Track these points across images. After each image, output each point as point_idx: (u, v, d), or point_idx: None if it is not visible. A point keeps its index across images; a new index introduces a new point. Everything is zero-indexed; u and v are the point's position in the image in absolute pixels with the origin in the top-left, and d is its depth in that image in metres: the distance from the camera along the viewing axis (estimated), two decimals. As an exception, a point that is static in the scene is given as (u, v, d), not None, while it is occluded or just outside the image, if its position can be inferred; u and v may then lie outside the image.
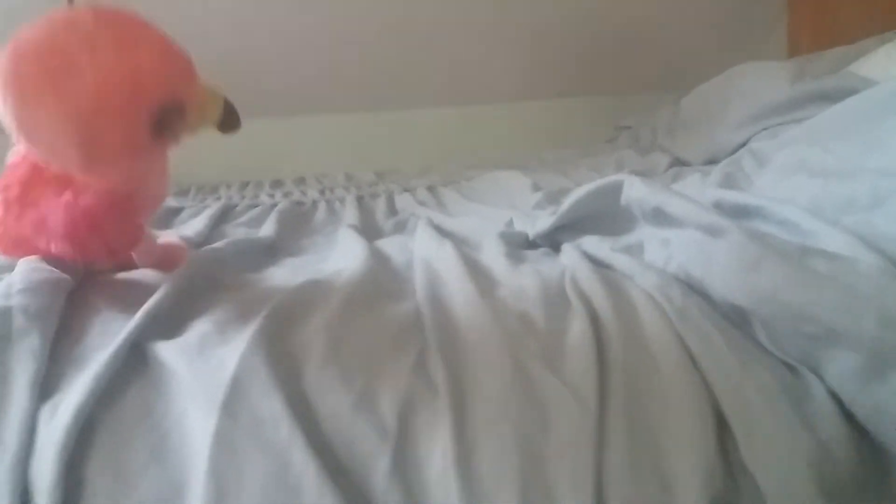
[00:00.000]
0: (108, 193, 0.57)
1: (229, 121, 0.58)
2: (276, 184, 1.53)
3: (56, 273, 0.58)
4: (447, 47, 1.87)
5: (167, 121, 0.54)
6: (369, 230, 1.02)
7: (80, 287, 0.60)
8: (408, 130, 1.97)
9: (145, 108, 0.52)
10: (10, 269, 0.61)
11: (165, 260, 0.69)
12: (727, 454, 0.47)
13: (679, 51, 1.99)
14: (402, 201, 1.30)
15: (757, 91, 1.15)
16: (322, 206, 1.29)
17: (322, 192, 1.41)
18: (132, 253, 0.66)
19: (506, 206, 1.08)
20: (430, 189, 1.39)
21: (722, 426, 0.47)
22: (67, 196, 0.57)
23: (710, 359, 0.49)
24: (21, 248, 0.62)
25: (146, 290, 0.59)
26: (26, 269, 0.57)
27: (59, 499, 0.41)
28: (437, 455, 0.46)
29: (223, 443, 0.44)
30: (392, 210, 1.26)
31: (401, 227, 1.07)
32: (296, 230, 1.08)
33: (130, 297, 0.58)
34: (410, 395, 0.49)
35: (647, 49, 1.98)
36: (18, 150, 0.62)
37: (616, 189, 0.63)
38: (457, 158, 1.74)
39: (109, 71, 0.50)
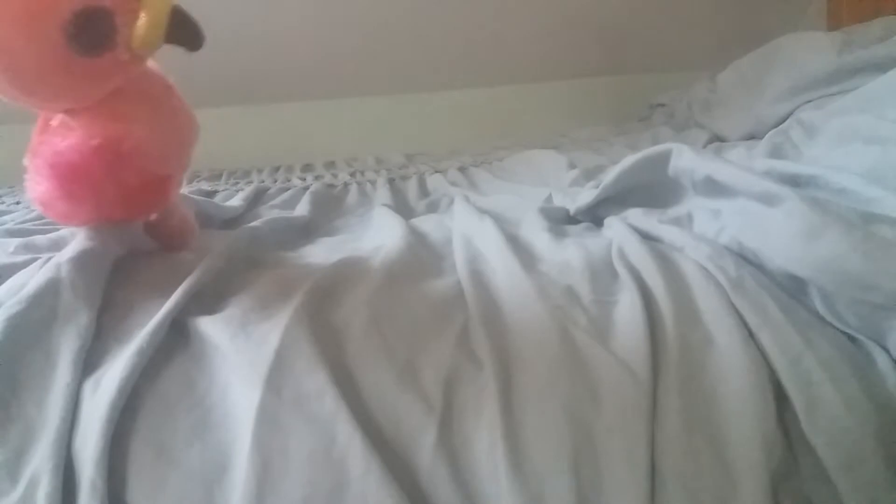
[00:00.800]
0: (93, 135, 0.53)
1: (182, 32, 0.52)
2: (307, 167, 1.52)
3: (104, 253, 0.57)
4: (474, 28, 1.85)
5: (91, 29, 0.49)
6: (402, 211, 1.00)
7: (125, 262, 0.60)
8: (436, 112, 1.96)
9: (54, 14, 0.47)
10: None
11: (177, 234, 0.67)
12: (786, 427, 0.45)
13: (710, 28, 1.94)
14: (434, 182, 1.29)
15: (801, 62, 1.10)
16: (354, 189, 1.28)
17: (353, 175, 1.40)
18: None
19: (540, 184, 1.06)
20: (462, 170, 1.37)
21: (780, 399, 0.46)
22: (60, 139, 0.54)
23: (767, 331, 0.47)
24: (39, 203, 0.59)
25: (189, 266, 0.58)
26: (75, 247, 0.57)
27: (104, 473, 0.41)
28: (483, 429, 0.45)
29: (267, 417, 0.43)
30: (424, 191, 1.25)
31: (433, 208, 1.06)
32: (329, 211, 1.07)
33: (173, 273, 0.57)
34: (454, 369, 0.48)
35: (676, 27, 1.93)
36: None
37: (664, 158, 0.61)
38: (486, 140, 1.72)
39: None
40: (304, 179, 1.36)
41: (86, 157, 0.53)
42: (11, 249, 0.66)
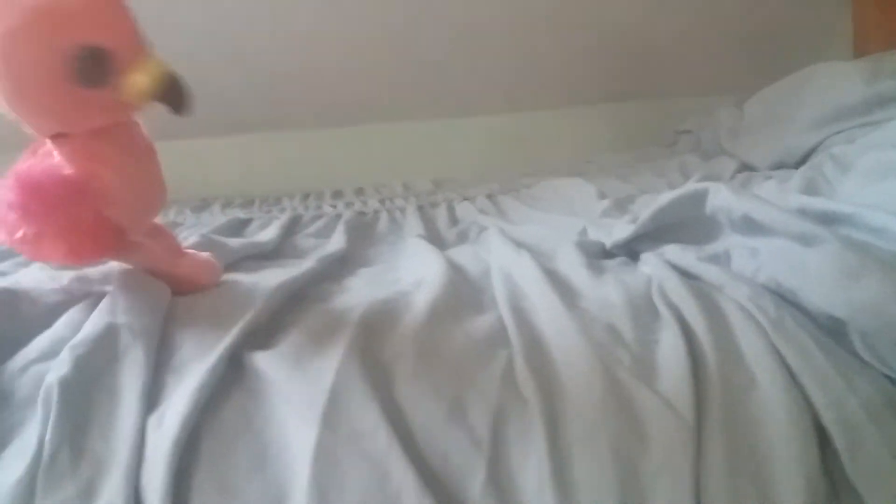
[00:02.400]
0: (64, 167, 0.57)
1: (171, 96, 0.56)
2: (337, 194, 1.55)
3: (154, 292, 0.60)
4: (499, 54, 1.87)
5: (90, 63, 0.53)
6: (434, 240, 1.02)
7: (176, 296, 0.62)
8: (462, 138, 1.98)
9: (60, 41, 0.52)
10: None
11: (191, 276, 0.68)
12: (830, 470, 0.46)
13: (733, 54, 1.95)
14: (463, 210, 1.31)
15: (829, 92, 1.11)
16: (384, 216, 1.31)
17: (382, 202, 1.43)
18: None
19: (569, 213, 1.08)
20: (490, 197, 1.39)
21: (823, 441, 0.46)
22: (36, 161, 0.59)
23: (809, 372, 0.48)
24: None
25: (236, 302, 0.60)
26: (125, 288, 0.59)
27: (170, 507, 0.43)
28: (531, 468, 0.46)
29: (324, 453, 0.45)
30: (453, 219, 1.27)
31: (463, 237, 1.08)
32: (362, 240, 1.09)
33: (222, 308, 0.60)
34: (501, 407, 0.49)
35: (700, 52, 1.94)
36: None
37: (701, 197, 0.63)
38: (511, 165, 1.74)
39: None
40: (335, 207, 1.39)
41: (52, 181, 0.56)
42: (66, 282, 0.69)
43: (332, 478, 0.44)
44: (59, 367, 0.49)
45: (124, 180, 0.61)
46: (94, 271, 0.73)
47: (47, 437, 0.45)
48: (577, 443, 0.46)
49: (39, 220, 0.57)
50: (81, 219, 0.58)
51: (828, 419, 0.46)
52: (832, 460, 0.46)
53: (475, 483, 0.45)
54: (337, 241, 0.99)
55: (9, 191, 0.56)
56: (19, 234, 0.57)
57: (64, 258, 0.61)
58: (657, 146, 1.75)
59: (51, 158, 0.59)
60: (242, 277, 0.74)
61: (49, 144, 0.60)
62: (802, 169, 0.79)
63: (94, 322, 0.54)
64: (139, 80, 0.54)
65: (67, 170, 0.57)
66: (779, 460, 0.45)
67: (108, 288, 0.66)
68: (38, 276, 0.71)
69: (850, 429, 0.45)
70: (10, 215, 0.57)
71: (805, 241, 0.54)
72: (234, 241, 0.91)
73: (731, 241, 0.62)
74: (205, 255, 0.73)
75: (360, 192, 1.58)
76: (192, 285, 0.67)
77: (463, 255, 0.83)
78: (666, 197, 0.66)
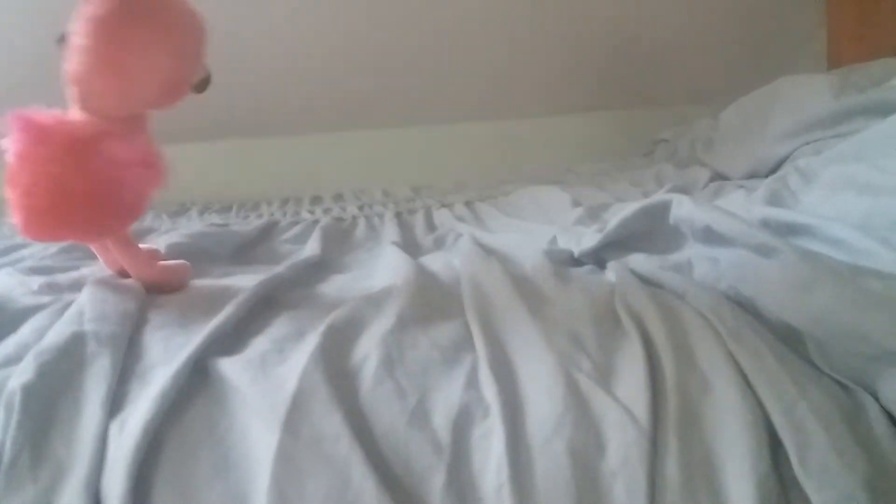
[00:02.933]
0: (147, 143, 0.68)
1: (203, 86, 0.72)
2: (315, 200, 1.55)
3: (123, 300, 0.60)
4: (480, 62, 1.89)
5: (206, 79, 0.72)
6: (410, 247, 1.03)
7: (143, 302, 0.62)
8: (442, 145, 1.99)
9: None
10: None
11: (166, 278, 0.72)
12: (781, 473, 0.47)
13: (712, 64, 1.98)
14: (441, 217, 1.32)
15: (799, 104, 1.14)
16: (362, 223, 1.31)
17: (361, 209, 1.43)
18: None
19: (545, 221, 1.09)
20: (468, 204, 1.40)
21: (776, 445, 0.47)
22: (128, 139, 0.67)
23: (763, 378, 0.49)
24: (90, 202, 0.66)
25: (205, 307, 0.61)
26: (94, 296, 0.60)
27: (130, 512, 0.43)
28: (491, 471, 0.47)
29: (285, 459, 0.45)
30: (431, 226, 1.27)
31: (440, 243, 1.08)
32: (339, 246, 1.10)
33: (190, 313, 0.60)
34: (463, 412, 0.50)
35: (679, 62, 1.97)
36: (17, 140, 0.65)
37: (664, 208, 0.64)
38: (490, 173, 1.75)
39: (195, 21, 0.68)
40: (313, 213, 1.39)
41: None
42: (35, 288, 0.69)
43: (293, 483, 0.45)
44: (22, 373, 0.49)
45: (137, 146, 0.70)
46: (63, 277, 0.73)
47: (7, 442, 0.45)
48: (536, 446, 0.47)
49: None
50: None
51: (779, 423, 0.47)
52: (784, 463, 0.47)
53: (435, 487, 0.46)
54: (311, 248, 0.99)
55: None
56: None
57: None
58: (636, 155, 1.77)
59: (125, 137, 0.67)
60: (212, 283, 0.74)
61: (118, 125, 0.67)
62: (769, 180, 0.81)
63: (60, 329, 0.54)
64: (199, 80, 0.71)
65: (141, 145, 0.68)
66: (731, 463, 0.46)
67: (77, 294, 0.66)
68: (6, 282, 0.71)
69: (799, 432, 0.46)
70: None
71: (763, 251, 0.55)
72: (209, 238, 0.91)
73: (693, 251, 0.63)
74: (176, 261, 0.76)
75: (339, 198, 1.58)
76: (168, 287, 0.70)
77: (435, 261, 0.83)
78: (631, 207, 0.67)
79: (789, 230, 0.64)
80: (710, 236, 0.60)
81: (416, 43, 1.81)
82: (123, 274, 0.72)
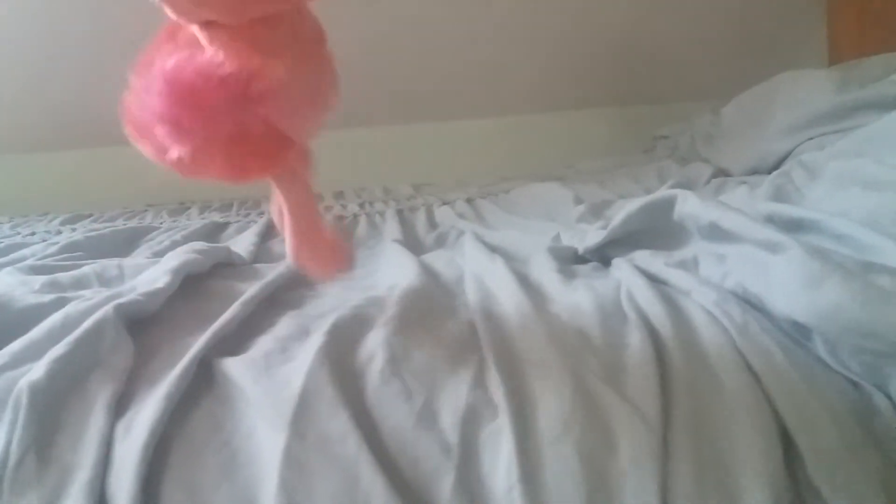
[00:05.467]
0: (225, 61, 0.45)
1: None
2: (315, 198, 1.55)
3: (135, 301, 0.60)
4: (480, 58, 1.88)
5: None
6: (412, 244, 1.03)
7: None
8: (442, 142, 1.99)
9: None
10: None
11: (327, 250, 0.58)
12: (794, 472, 0.47)
13: (713, 60, 1.98)
14: (442, 214, 1.31)
15: (801, 100, 1.13)
16: (363, 220, 1.31)
17: (362, 206, 1.43)
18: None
19: (546, 218, 1.09)
20: (469, 202, 1.39)
21: (787, 443, 0.47)
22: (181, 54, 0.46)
23: (773, 376, 0.49)
24: (139, 131, 0.50)
25: (211, 307, 0.60)
26: (107, 297, 0.60)
27: (139, 514, 0.42)
28: (501, 471, 0.46)
29: (293, 459, 0.45)
30: (432, 223, 1.27)
31: (442, 241, 1.08)
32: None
33: (198, 314, 0.60)
34: (471, 412, 0.50)
35: (680, 59, 1.97)
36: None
37: (669, 204, 0.64)
38: (489, 170, 1.75)
39: None
40: (314, 210, 1.39)
41: (210, 83, 0.45)
42: (37, 287, 0.69)
43: (301, 484, 0.44)
44: (33, 373, 0.48)
45: (295, 77, 0.49)
46: (65, 276, 0.73)
47: (13, 444, 0.45)
48: (546, 446, 0.47)
49: (196, 135, 0.46)
50: (246, 129, 0.47)
51: (791, 422, 0.47)
52: (796, 461, 0.46)
53: (445, 487, 0.46)
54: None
55: (155, 97, 0.45)
56: (172, 154, 0.47)
57: (226, 176, 0.51)
58: (637, 152, 1.77)
59: (199, 50, 0.47)
60: (216, 283, 0.74)
61: (195, 31, 0.48)
62: (772, 175, 0.80)
63: (76, 332, 0.54)
64: None
65: (225, 66, 0.45)
66: (743, 462, 0.46)
67: (81, 293, 0.66)
68: (8, 281, 0.70)
69: (812, 432, 0.46)
70: (159, 128, 0.46)
71: (770, 248, 0.55)
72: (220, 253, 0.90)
73: (699, 247, 0.63)
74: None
75: (339, 195, 1.58)
76: (329, 257, 0.58)
77: (438, 260, 0.83)
78: (635, 203, 0.66)
79: (795, 226, 0.64)
80: (716, 233, 0.60)
81: (415, 41, 1.80)
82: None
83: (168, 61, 0.45)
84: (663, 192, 0.65)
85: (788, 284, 0.52)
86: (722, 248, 0.60)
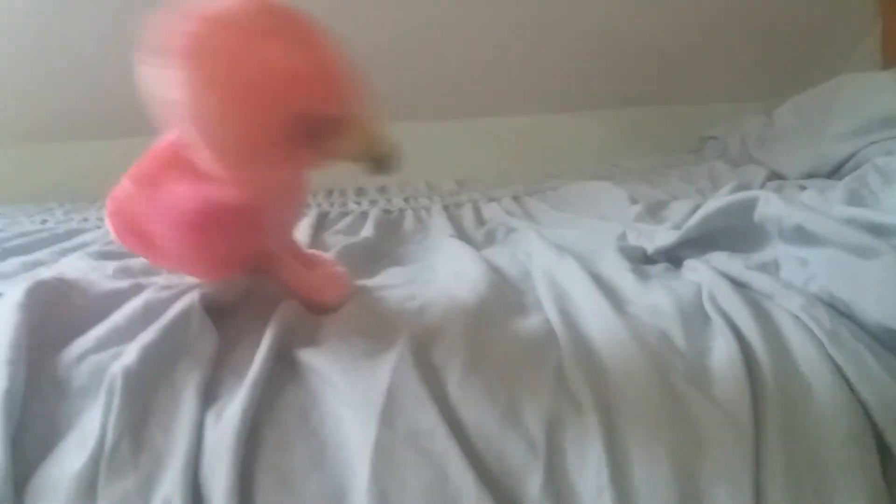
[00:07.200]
0: (225, 194, 0.54)
1: (380, 165, 0.52)
2: (360, 192, 1.55)
3: (220, 291, 0.61)
4: (523, 55, 1.87)
5: (313, 133, 0.49)
6: (462, 240, 1.02)
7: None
8: (484, 138, 1.98)
9: (289, 108, 0.48)
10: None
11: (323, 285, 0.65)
12: (890, 481, 0.46)
13: (760, 60, 1.95)
14: (489, 211, 1.31)
15: (864, 103, 1.11)
16: (409, 215, 1.31)
17: (406, 201, 1.43)
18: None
19: (600, 217, 1.07)
20: (516, 199, 1.38)
21: (883, 452, 0.46)
22: (206, 187, 0.54)
23: (867, 383, 0.48)
24: (131, 234, 0.62)
25: (274, 298, 0.61)
26: (195, 288, 0.61)
27: (235, 501, 0.43)
28: (590, 473, 0.46)
29: (383, 452, 0.45)
30: (479, 220, 1.27)
31: (491, 238, 1.07)
32: (391, 238, 1.10)
33: (265, 304, 0.60)
34: (556, 411, 0.49)
35: (727, 58, 1.94)
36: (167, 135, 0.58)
37: (751, 205, 0.62)
38: (533, 167, 1.74)
39: (267, 60, 0.46)
40: (360, 204, 1.39)
41: (226, 216, 0.54)
42: (110, 273, 0.69)
43: (392, 476, 0.44)
44: (125, 358, 0.49)
45: (282, 202, 0.60)
46: (136, 262, 0.73)
47: (109, 428, 0.45)
48: (635, 449, 0.46)
49: (197, 251, 0.57)
50: (239, 247, 0.58)
51: (889, 431, 0.46)
52: (893, 472, 0.45)
53: (533, 486, 0.45)
54: (365, 235, 0.99)
55: (195, 213, 0.53)
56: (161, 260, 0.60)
57: (205, 277, 0.62)
58: (681, 151, 1.75)
59: (201, 178, 0.54)
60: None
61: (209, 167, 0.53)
62: (846, 180, 0.78)
63: (164, 318, 0.54)
64: (352, 148, 0.50)
65: (230, 197, 0.53)
66: (839, 471, 0.45)
67: (152, 278, 0.66)
68: (80, 266, 0.71)
69: (911, 441, 0.45)
70: (158, 241, 0.56)
71: (861, 252, 0.54)
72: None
73: (779, 250, 0.62)
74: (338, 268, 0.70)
75: (383, 190, 1.58)
76: (321, 297, 0.63)
77: (499, 256, 0.82)
78: (714, 204, 0.65)
79: (877, 231, 0.62)
80: (800, 236, 0.59)
81: (457, 36, 1.79)
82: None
83: (176, 195, 0.55)
84: (745, 193, 0.63)
85: (883, 290, 0.51)
86: (804, 252, 0.59)
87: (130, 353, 0.49)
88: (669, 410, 0.48)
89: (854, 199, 0.74)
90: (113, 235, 0.63)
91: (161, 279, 0.67)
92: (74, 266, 0.71)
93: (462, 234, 1.11)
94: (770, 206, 0.60)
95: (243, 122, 0.48)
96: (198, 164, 0.52)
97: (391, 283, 0.75)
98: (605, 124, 2.04)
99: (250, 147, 0.50)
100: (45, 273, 0.65)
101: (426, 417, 0.47)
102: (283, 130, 0.48)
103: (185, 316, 0.54)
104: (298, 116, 0.48)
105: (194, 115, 0.48)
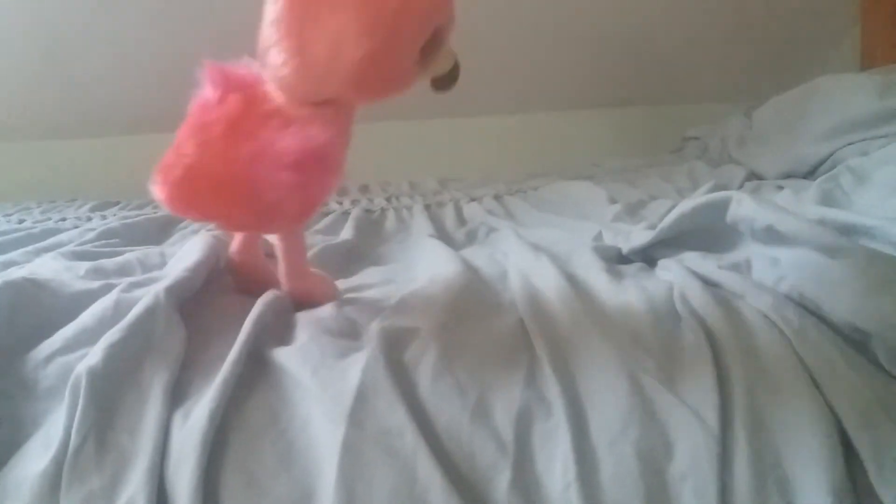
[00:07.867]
0: (315, 137, 0.54)
1: (450, 78, 0.59)
2: (342, 191, 1.54)
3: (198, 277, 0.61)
4: (506, 55, 1.87)
5: (427, 49, 0.55)
6: (442, 240, 1.02)
7: (205, 293, 0.62)
8: (467, 137, 1.98)
9: (428, 28, 0.53)
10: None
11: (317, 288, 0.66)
12: (854, 478, 0.46)
13: (741, 61, 1.96)
14: (470, 210, 1.31)
15: (841, 104, 1.12)
16: (391, 215, 1.30)
17: (388, 200, 1.42)
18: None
19: (580, 217, 1.08)
20: (497, 198, 1.39)
21: (848, 450, 0.47)
22: (299, 128, 0.54)
23: (834, 382, 0.48)
24: (222, 189, 0.55)
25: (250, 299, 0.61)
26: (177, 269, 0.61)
27: (200, 500, 0.42)
28: (557, 470, 0.46)
29: (351, 451, 0.45)
30: (461, 219, 1.26)
31: (472, 237, 1.08)
32: (371, 237, 1.09)
33: (245, 302, 0.59)
34: (525, 409, 0.50)
35: (708, 59, 1.95)
36: (204, 94, 0.57)
37: (723, 205, 0.63)
38: (516, 166, 1.74)
39: None
40: (341, 203, 1.39)
41: (327, 148, 0.55)
42: (82, 273, 0.69)
43: (360, 476, 0.44)
44: (90, 358, 0.48)
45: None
46: (109, 263, 0.73)
47: (73, 429, 0.45)
48: (602, 448, 0.47)
49: (299, 191, 0.55)
50: (333, 187, 0.60)
51: (853, 429, 0.46)
52: (857, 469, 0.46)
53: (502, 484, 0.45)
54: (344, 236, 0.99)
55: (295, 153, 0.53)
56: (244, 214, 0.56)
57: (288, 225, 0.61)
58: (663, 151, 1.76)
59: (292, 124, 0.55)
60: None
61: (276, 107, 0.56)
62: (819, 180, 0.79)
63: (138, 306, 0.54)
64: (443, 65, 0.57)
65: (323, 136, 0.54)
66: (804, 469, 0.45)
67: (126, 279, 0.66)
68: (54, 267, 0.71)
69: (875, 440, 0.46)
70: (288, 174, 0.53)
71: (830, 252, 0.54)
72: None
73: (751, 250, 0.62)
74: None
75: (365, 189, 1.58)
76: (312, 295, 0.64)
77: (477, 256, 0.82)
78: (688, 204, 0.66)
79: (848, 231, 0.63)
80: (771, 236, 0.59)
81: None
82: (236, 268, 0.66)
83: (291, 140, 0.54)
84: (717, 194, 0.64)
85: (849, 289, 0.51)
86: (775, 252, 0.60)
87: (96, 353, 0.49)
88: (638, 409, 0.48)
89: (827, 199, 0.75)
90: (171, 206, 0.56)
91: (133, 279, 0.66)
92: (47, 266, 0.70)
93: (443, 234, 1.11)
94: (742, 206, 0.61)
95: (407, 35, 0.53)
96: (286, 109, 0.55)
97: (368, 283, 0.75)
98: (590, 124, 2.04)
99: (399, 64, 0.54)
100: (14, 273, 0.64)
101: (395, 417, 0.47)
102: (421, 45, 0.53)
103: (150, 312, 0.53)
104: (436, 29, 0.53)
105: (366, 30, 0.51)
